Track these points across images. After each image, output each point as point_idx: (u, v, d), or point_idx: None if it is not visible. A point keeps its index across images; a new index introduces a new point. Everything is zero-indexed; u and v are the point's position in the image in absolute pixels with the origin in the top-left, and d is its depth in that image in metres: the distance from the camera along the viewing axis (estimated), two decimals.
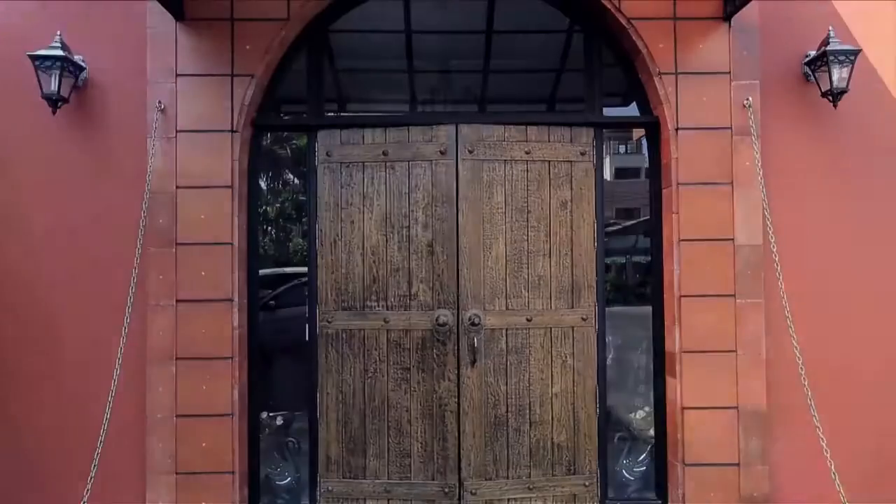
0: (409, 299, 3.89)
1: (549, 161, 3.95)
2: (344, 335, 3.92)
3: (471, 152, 3.88)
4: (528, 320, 3.89)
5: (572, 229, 3.96)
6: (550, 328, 3.91)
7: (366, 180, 3.94)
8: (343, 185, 3.95)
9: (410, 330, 3.88)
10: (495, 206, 3.90)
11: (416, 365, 3.87)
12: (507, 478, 3.85)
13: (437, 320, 3.82)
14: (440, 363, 3.84)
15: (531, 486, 3.85)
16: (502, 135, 3.93)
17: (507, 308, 3.88)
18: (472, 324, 3.81)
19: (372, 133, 3.94)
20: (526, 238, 3.93)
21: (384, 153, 3.92)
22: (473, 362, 3.82)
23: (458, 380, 3.83)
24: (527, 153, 3.93)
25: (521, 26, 4.41)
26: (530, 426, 3.88)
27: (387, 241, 3.92)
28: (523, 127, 3.93)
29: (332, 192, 3.97)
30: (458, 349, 3.83)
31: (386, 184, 3.93)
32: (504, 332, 3.87)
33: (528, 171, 3.94)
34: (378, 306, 3.92)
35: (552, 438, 3.89)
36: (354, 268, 3.93)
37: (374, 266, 3.93)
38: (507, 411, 3.87)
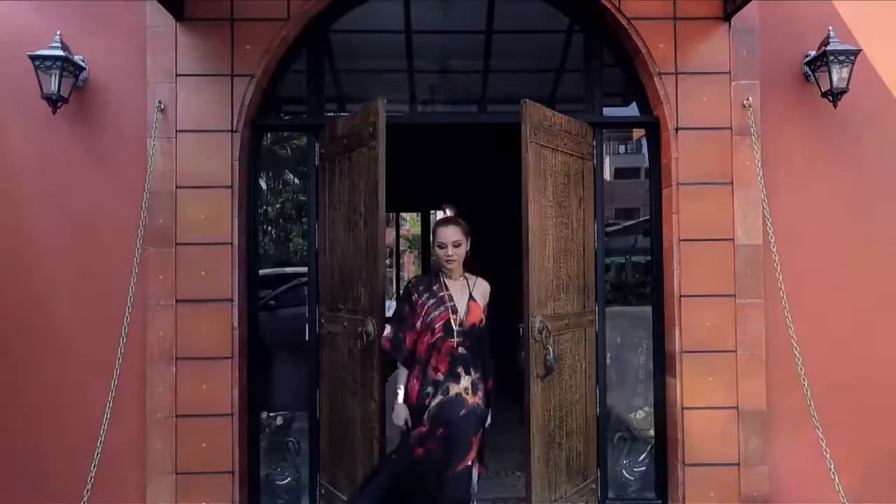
0: (356, 303, 3.52)
1: (574, 155, 3.79)
2: (329, 337, 3.85)
3: (535, 134, 3.44)
4: (565, 325, 3.64)
5: (584, 229, 3.88)
6: (574, 331, 3.75)
7: (338, 176, 3.73)
8: (328, 183, 3.86)
9: (357, 338, 3.44)
10: (547, 199, 3.54)
11: (360, 378, 3.46)
12: (555, 500, 3.54)
13: (362, 330, 3.32)
14: (370, 379, 3.36)
15: None
16: (551, 120, 3.58)
17: (553, 313, 3.55)
18: (540, 331, 3.36)
19: (340, 124, 3.71)
20: (562, 235, 3.66)
21: (344, 144, 3.64)
22: (544, 376, 3.36)
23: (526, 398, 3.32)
24: (564, 144, 3.69)
25: (521, 26, 4.41)
26: (566, 438, 3.64)
27: (347, 238, 3.63)
28: (560, 115, 3.69)
29: (322, 190, 3.92)
30: (381, 365, 3.31)
31: (348, 177, 3.64)
32: (553, 338, 3.49)
33: (564, 163, 3.68)
34: (343, 309, 3.65)
35: (576, 447, 3.73)
36: (333, 268, 3.79)
37: (342, 266, 3.68)
38: (554, 427, 3.54)
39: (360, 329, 3.36)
